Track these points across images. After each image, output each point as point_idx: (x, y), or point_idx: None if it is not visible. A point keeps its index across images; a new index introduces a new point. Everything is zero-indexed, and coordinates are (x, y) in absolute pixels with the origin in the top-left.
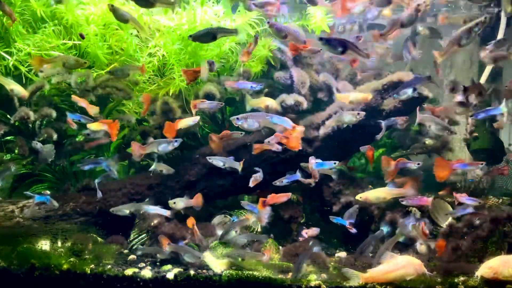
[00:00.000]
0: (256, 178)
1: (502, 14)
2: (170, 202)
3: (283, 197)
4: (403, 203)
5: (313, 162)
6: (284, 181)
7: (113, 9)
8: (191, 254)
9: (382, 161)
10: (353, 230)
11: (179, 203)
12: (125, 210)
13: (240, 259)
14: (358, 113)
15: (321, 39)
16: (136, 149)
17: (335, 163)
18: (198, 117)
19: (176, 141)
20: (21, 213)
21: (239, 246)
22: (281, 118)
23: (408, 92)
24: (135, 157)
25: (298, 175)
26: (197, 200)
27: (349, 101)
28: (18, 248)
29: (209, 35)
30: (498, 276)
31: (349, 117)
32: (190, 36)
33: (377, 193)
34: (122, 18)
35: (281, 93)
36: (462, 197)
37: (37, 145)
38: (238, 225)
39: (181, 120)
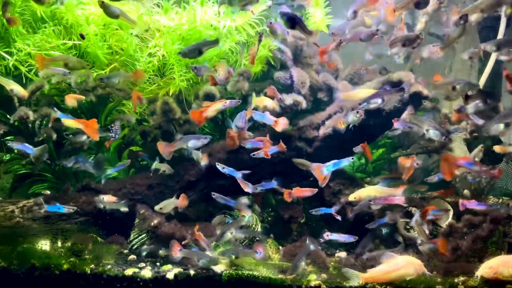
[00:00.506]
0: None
1: (502, 14)
2: (156, 207)
3: (307, 192)
4: (372, 203)
5: (324, 171)
6: (258, 188)
7: (104, 6)
8: (207, 258)
9: (398, 162)
10: (338, 217)
11: (167, 206)
12: (100, 204)
13: (234, 257)
14: (358, 112)
15: (280, 12)
16: (163, 148)
17: (352, 158)
18: (228, 101)
19: (206, 137)
20: (21, 213)
21: (238, 242)
22: (262, 115)
23: (378, 101)
24: (165, 156)
25: (274, 183)
26: (182, 201)
27: (359, 98)
28: (18, 248)
29: (195, 51)
30: (498, 276)
31: (351, 117)
32: (179, 52)
33: (369, 192)
34: (112, 14)
35: (281, 93)
36: (471, 203)
37: (15, 145)
38: (232, 227)
39: (211, 105)
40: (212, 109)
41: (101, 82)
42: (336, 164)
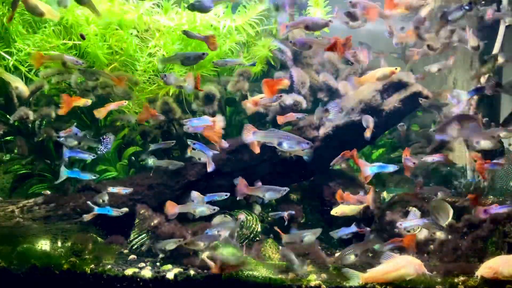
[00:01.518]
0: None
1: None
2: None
3: (353, 197)
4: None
5: (368, 170)
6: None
7: None
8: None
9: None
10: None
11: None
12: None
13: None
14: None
15: None
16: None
17: (397, 167)
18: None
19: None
20: (21, 213)
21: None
22: (201, 146)
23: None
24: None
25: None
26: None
27: (377, 78)
28: (18, 248)
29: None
30: (498, 276)
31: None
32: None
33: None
34: (81, 1)
35: (281, 93)
36: (493, 208)
37: None
38: (208, 239)
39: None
40: (284, 82)
41: (81, 74)
42: (381, 167)
